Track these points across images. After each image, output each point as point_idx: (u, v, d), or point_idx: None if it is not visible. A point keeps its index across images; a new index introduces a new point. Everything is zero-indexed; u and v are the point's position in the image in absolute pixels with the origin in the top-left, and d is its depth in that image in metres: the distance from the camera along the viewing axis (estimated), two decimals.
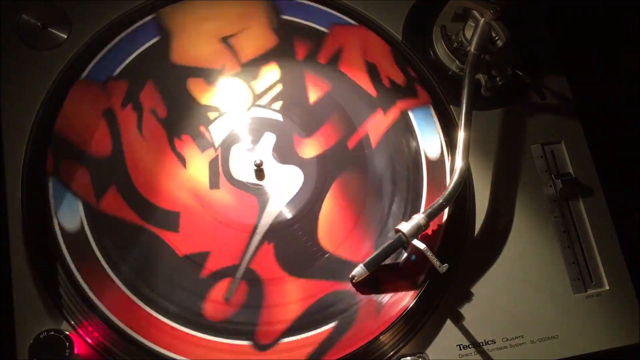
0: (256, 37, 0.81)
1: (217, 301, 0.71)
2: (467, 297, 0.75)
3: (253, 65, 0.80)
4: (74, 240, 0.70)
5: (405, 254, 0.74)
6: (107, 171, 0.74)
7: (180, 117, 0.77)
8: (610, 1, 0.98)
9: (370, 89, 0.81)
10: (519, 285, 0.76)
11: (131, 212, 0.72)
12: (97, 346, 0.68)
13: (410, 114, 0.80)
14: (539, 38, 0.87)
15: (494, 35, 0.78)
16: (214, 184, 0.75)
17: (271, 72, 0.80)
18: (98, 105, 0.75)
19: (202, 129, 0.77)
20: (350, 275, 0.71)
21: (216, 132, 0.77)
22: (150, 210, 0.73)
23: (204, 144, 0.77)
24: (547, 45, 0.87)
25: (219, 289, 0.71)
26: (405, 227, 0.71)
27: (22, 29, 0.78)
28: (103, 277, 0.69)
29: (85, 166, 0.73)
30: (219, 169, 0.76)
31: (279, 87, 0.80)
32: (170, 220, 0.73)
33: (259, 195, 0.76)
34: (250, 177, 0.76)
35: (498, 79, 0.81)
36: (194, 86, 0.79)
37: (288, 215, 0.75)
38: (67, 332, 0.67)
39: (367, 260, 0.71)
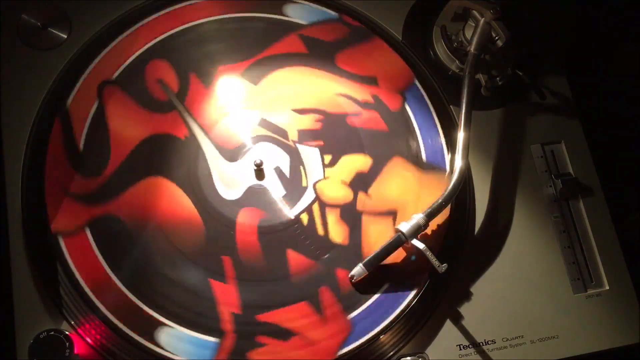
0: None
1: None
2: (467, 297, 0.75)
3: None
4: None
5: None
6: None
7: None
8: (610, 1, 0.98)
9: None
10: (519, 285, 0.76)
11: None
12: (97, 346, 0.68)
13: None
14: (539, 38, 0.87)
15: (494, 35, 0.78)
16: None
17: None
18: None
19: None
20: (349, 275, 0.71)
21: None
22: None
23: None
24: (547, 45, 0.87)
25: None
26: (404, 226, 0.70)
27: (22, 29, 0.78)
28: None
29: None
30: None
31: None
32: None
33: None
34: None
35: (498, 79, 0.81)
36: None
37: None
38: (67, 332, 0.67)
39: (366, 259, 0.71)
